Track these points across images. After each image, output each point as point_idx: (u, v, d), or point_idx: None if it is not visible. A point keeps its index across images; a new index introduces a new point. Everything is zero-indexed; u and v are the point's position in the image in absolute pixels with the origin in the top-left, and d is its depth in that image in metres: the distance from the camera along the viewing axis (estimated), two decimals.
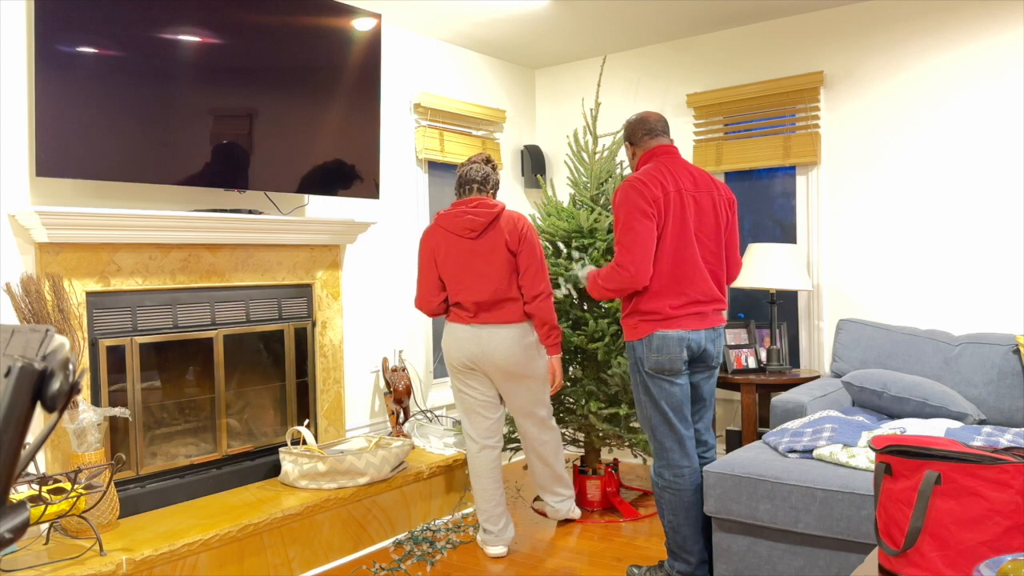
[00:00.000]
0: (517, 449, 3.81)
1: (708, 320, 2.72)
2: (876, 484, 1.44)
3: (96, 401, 2.94)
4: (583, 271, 2.89)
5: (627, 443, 3.71)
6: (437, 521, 3.62)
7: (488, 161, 3.25)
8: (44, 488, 2.51)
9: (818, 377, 3.87)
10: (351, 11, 3.58)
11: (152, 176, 2.94)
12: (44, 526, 2.73)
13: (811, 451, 2.75)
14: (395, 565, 3.15)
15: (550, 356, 3.17)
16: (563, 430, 3.91)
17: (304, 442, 3.47)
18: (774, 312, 4.05)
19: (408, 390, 3.95)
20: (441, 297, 3.20)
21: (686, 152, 4.61)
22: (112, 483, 2.75)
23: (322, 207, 3.87)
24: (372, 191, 3.75)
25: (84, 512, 2.56)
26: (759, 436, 3.90)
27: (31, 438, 2.48)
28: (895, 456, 1.40)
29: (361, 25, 3.63)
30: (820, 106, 4.16)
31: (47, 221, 2.68)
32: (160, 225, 2.99)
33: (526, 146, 5.03)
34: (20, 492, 2.56)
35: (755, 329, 4.10)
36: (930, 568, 1.32)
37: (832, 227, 4.16)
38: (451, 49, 4.62)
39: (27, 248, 2.81)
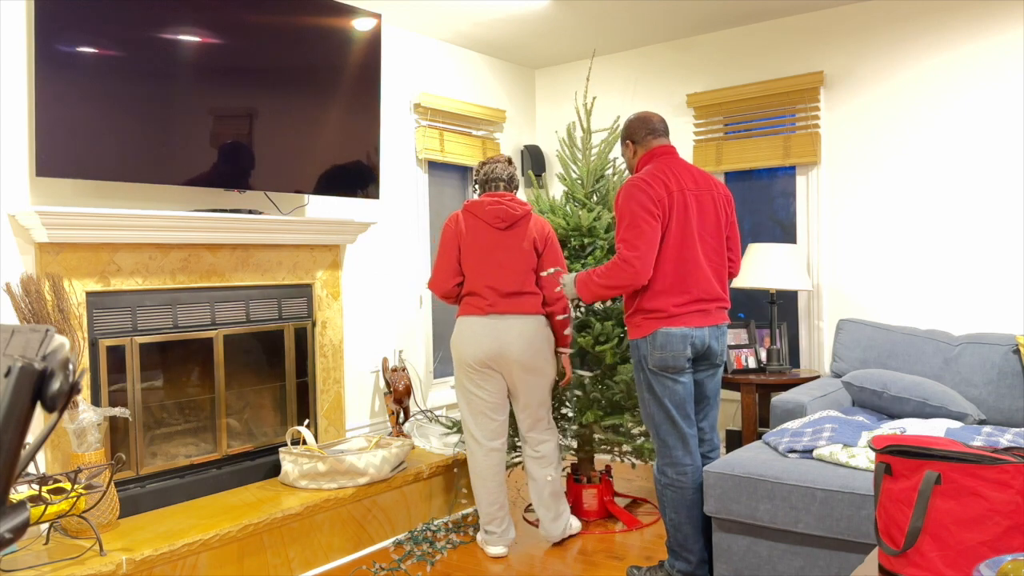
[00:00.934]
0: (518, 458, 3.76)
1: (711, 317, 2.73)
2: (876, 484, 1.44)
3: (96, 401, 2.94)
4: (568, 277, 2.86)
5: (627, 450, 3.68)
6: (437, 521, 3.62)
7: (511, 162, 3.31)
8: (44, 488, 2.51)
9: (818, 377, 3.87)
10: (351, 11, 3.58)
11: (152, 176, 2.94)
12: (44, 526, 2.73)
13: (811, 451, 2.75)
14: (395, 565, 3.15)
15: (563, 351, 3.25)
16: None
17: (304, 442, 3.47)
18: (774, 312, 4.05)
19: (408, 390, 3.95)
20: (456, 280, 3.17)
21: (686, 152, 4.61)
22: (112, 483, 2.75)
23: (322, 207, 3.87)
24: (372, 191, 3.75)
25: (84, 512, 2.56)
26: (759, 436, 3.90)
27: (31, 438, 2.48)
28: (895, 456, 1.40)
29: (361, 25, 3.63)
30: (820, 106, 4.16)
31: (47, 221, 2.68)
32: (160, 225, 2.99)
33: (526, 146, 5.03)
34: (20, 492, 2.56)
35: (755, 329, 4.10)
36: (930, 568, 1.32)
37: (832, 227, 4.16)
38: (451, 49, 4.62)
39: (27, 248, 2.81)
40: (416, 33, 4.40)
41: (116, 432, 3.01)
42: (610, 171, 3.75)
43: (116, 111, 2.82)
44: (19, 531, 0.86)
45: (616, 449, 3.75)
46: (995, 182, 3.70)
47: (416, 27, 4.30)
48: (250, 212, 3.30)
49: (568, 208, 3.71)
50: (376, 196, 3.77)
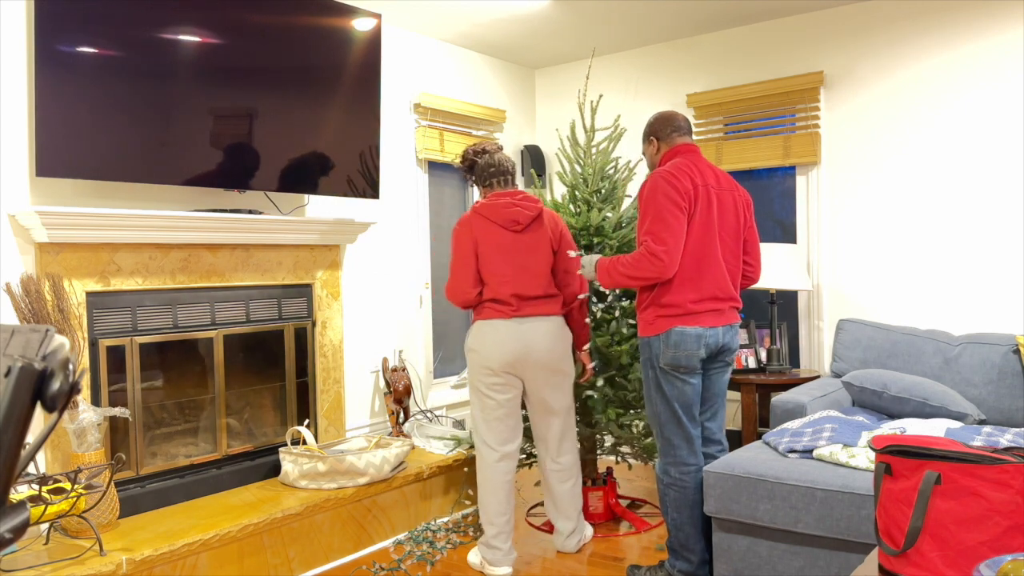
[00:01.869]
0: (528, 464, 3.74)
1: (724, 317, 2.73)
2: (876, 484, 1.44)
3: (96, 401, 2.94)
4: (588, 258, 2.84)
5: (628, 451, 3.67)
6: (437, 521, 3.62)
7: (501, 149, 3.19)
8: (44, 488, 2.51)
9: (818, 377, 3.87)
10: (351, 11, 3.58)
11: (152, 176, 2.94)
12: (44, 526, 2.73)
13: (811, 451, 2.75)
14: (395, 565, 3.15)
15: (583, 348, 3.22)
16: None
17: (304, 442, 3.47)
18: (774, 312, 4.05)
19: (408, 390, 3.95)
20: (478, 289, 3.03)
21: None
22: (112, 483, 2.75)
23: (322, 207, 3.87)
24: (372, 191, 3.75)
25: (84, 512, 2.56)
26: (759, 436, 3.90)
27: (31, 438, 2.48)
28: (895, 456, 1.40)
29: (361, 25, 3.63)
30: (820, 106, 4.16)
31: (47, 221, 2.68)
32: (160, 225, 2.99)
33: (526, 146, 5.03)
34: (20, 492, 2.56)
35: (755, 329, 4.10)
36: (930, 568, 1.32)
37: (832, 227, 4.16)
38: (451, 49, 4.62)
39: (27, 248, 2.81)
40: (416, 33, 4.40)
41: (116, 432, 3.01)
42: (611, 170, 3.74)
43: (116, 111, 2.82)
44: (19, 531, 0.86)
45: (619, 450, 3.75)
46: (995, 182, 3.70)
47: (416, 27, 4.30)
48: (250, 212, 3.30)
49: (572, 207, 3.70)
50: (376, 196, 3.77)
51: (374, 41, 3.69)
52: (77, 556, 2.52)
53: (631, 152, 4.80)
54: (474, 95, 4.79)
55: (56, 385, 0.85)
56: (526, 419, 3.60)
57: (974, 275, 3.76)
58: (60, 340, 0.90)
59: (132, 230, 2.93)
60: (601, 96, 3.84)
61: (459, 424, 4.34)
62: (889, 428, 2.90)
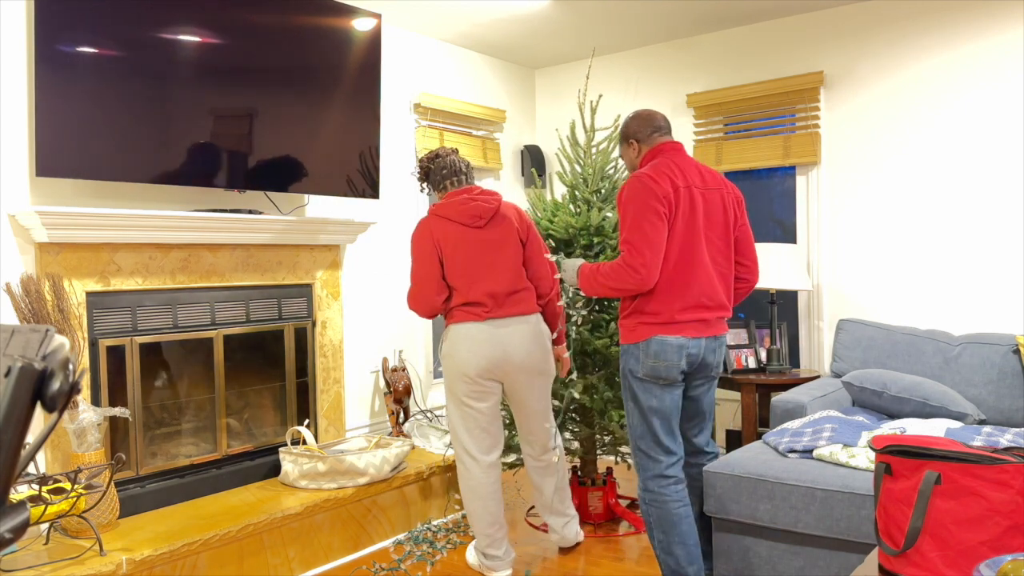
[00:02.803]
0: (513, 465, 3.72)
1: (711, 328, 2.56)
2: (876, 484, 1.44)
3: (96, 401, 2.94)
4: (570, 263, 2.68)
5: (627, 451, 3.66)
6: (437, 521, 3.62)
7: (456, 152, 3.04)
8: (44, 488, 2.51)
9: (818, 377, 3.87)
10: (351, 11, 3.58)
11: (152, 176, 2.94)
12: (44, 526, 2.73)
13: (811, 451, 2.75)
14: (395, 565, 3.15)
15: (560, 350, 3.10)
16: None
17: (304, 442, 3.47)
18: (774, 312, 4.05)
19: (408, 390, 3.95)
20: (444, 296, 2.87)
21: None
22: (112, 483, 2.75)
23: (322, 207, 3.87)
24: (372, 191, 3.75)
25: (84, 512, 2.56)
26: (759, 436, 3.90)
27: (31, 438, 2.48)
28: (895, 456, 1.40)
29: (361, 25, 3.63)
30: (820, 106, 4.16)
31: (47, 221, 2.68)
32: (160, 225, 2.99)
33: (526, 146, 5.03)
34: (20, 492, 2.56)
35: (755, 329, 4.10)
36: (930, 568, 1.32)
37: (832, 227, 4.16)
38: (451, 49, 4.62)
39: (27, 248, 2.81)
40: (416, 33, 4.40)
41: (116, 432, 3.01)
42: (611, 169, 3.74)
43: (116, 111, 2.82)
44: (19, 531, 0.86)
45: (618, 450, 3.75)
46: (995, 182, 3.70)
47: (416, 27, 4.30)
48: (250, 212, 3.30)
49: (572, 207, 3.70)
50: (376, 196, 3.77)
51: (374, 41, 3.69)
52: (77, 556, 2.52)
53: None
54: (474, 95, 4.79)
55: (56, 385, 0.85)
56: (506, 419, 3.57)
57: (974, 275, 3.76)
58: (60, 340, 0.90)
59: (132, 230, 2.93)
60: (601, 96, 3.84)
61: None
62: (889, 428, 2.90)
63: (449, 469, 3.69)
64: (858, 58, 4.05)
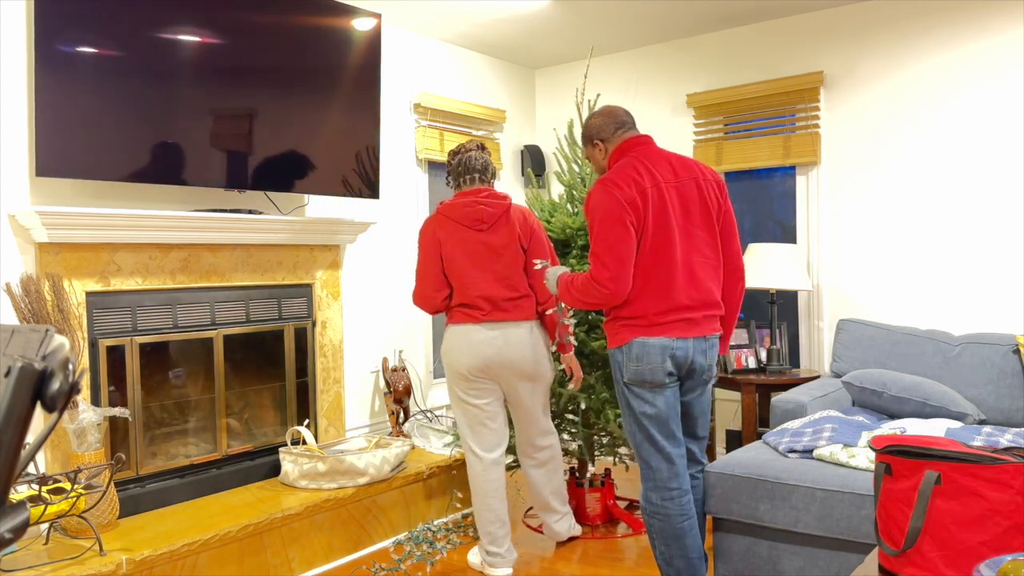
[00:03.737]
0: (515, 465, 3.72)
1: (698, 328, 2.44)
2: (876, 484, 1.44)
3: (96, 401, 2.94)
4: (552, 271, 2.63)
5: (625, 452, 3.66)
6: (437, 521, 3.62)
7: (483, 148, 3.05)
8: (44, 488, 2.51)
9: (818, 377, 3.87)
10: (351, 11, 3.58)
11: (152, 176, 2.94)
12: (44, 526, 2.73)
13: (811, 451, 2.75)
14: (395, 565, 3.15)
15: (566, 354, 3.06)
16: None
17: (304, 442, 3.47)
18: (774, 312, 4.05)
19: (408, 390, 3.95)
20: (445, 293, 2.93)
21: (686, 152, 4.60)
22: (112, 483, 2.75)
23: (322, 207, 3.87)
24: (372, 191, 3.75)
25: (84, 512, 2.56)
26: (759, 436, 3.90)
27: (31, 438, 2.48)
28: (895, 456, 1.40)
29: (361, 25, 3.63)
30: (820, 106, 4.16)
31: (47, 221, 2.68)
32: (160, 225, 2.99)
33: (526, 146, 5.03)
34: (20, 492, 2.56)
35: (755, 329, 4.10)
36: (930, 568, 1.32)
37: (832, 227, 4.16)
38: (451, 49, 4.62)
39: (27, 248, 2.81)
40: (416, 33, 4.40)
41: (116, 432, 3.01)
42: None
43: (116, 111, 2.82)
44: (19, 531, 0.86)
45: (616, 451, 3.74)
46: (995, 182, 3.70)
47: (416, 27, 4.30)
48: (250, 212, 3.30)
49: (569, 207, 3.70)
50: (376, 196, 3.77)
51: (374, 41, 3.69)
52: (77, 556, 2.52)
53: None
54: (474, 95, 4.79)
55: (56, 385, 0.85)
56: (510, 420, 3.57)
57: (974, 275, 3.75)
58: (60, 340, 0.90)
59: (132, 230, 2.93)
60: (599, 95, 3.84)
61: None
62: (889, 428, 2.90)
63: (449, 469, 3.70)
64: (858, 58, 4.05)
